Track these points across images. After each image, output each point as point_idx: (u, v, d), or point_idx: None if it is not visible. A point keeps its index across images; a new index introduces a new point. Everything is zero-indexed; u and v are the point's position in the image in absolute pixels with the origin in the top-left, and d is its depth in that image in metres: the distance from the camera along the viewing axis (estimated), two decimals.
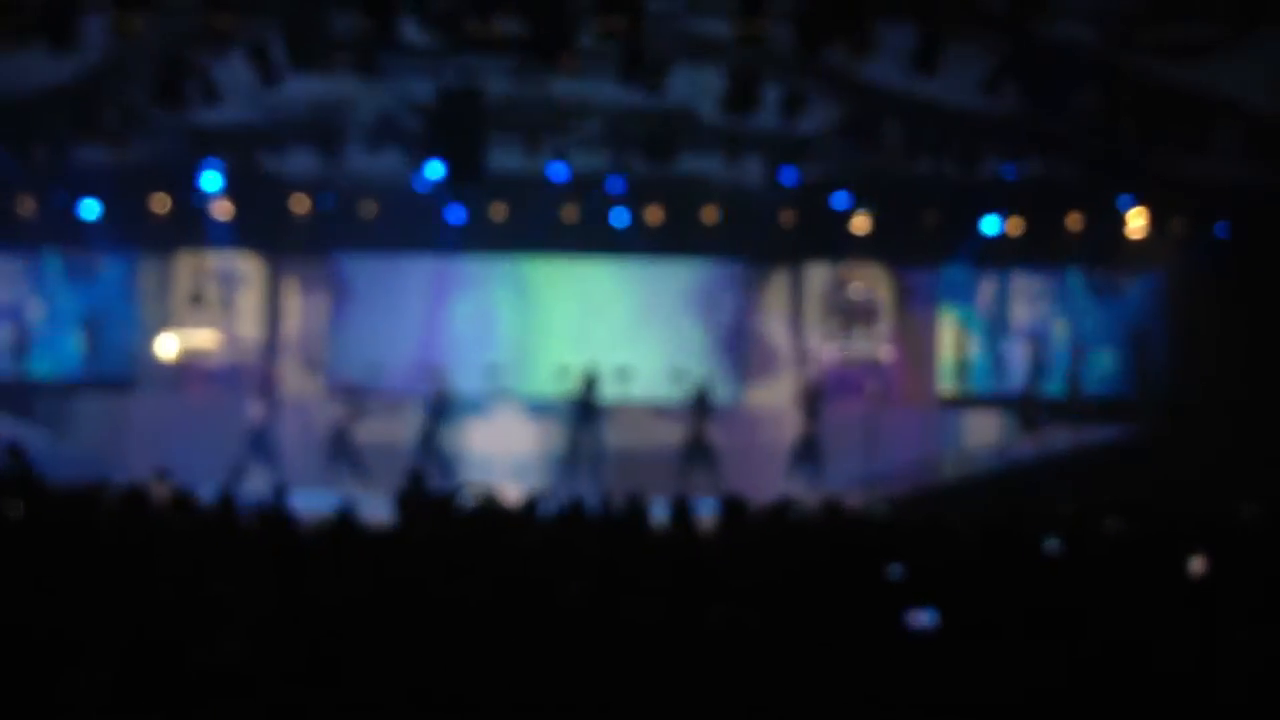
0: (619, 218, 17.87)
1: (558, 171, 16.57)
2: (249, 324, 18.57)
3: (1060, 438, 16.13)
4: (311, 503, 11.00)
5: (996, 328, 18.53)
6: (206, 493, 9.04)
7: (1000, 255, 18.05)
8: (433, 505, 9.12)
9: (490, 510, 8.31)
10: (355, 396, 16.95)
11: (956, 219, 17.59)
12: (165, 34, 13.51)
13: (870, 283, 18.12)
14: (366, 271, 18.83)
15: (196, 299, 18.06)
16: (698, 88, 15.03)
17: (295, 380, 18.29)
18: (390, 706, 4.81)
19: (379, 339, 18.63)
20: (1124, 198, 17.19)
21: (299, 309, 18.98)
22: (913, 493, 14.06)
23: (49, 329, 17.96)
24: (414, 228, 18.11)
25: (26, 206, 17.56)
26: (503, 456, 16.89)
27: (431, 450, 16.38)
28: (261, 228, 18.38)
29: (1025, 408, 17.01)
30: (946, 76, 12.88)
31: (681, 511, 7.79)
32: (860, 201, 17.50)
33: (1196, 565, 6.43)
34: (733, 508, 8.08)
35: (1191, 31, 12.38)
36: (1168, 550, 6.72)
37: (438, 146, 14.97)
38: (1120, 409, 16.86)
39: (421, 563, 6.23)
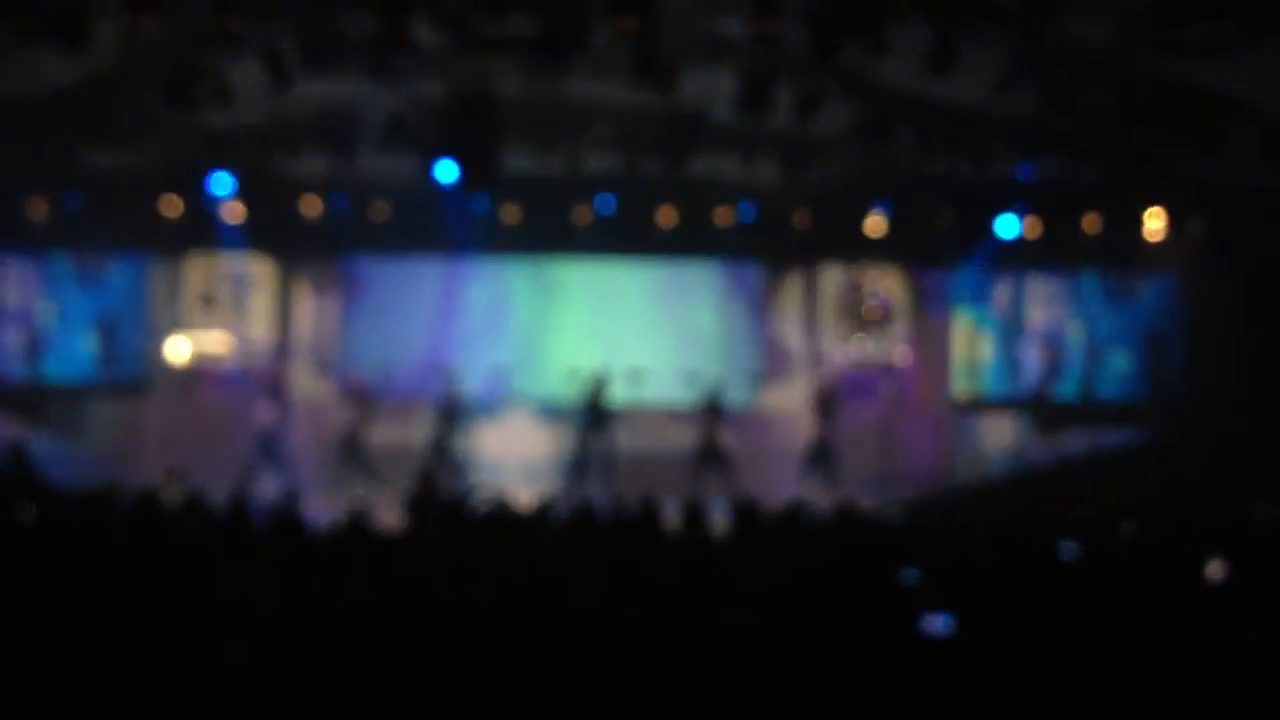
0: (631, 218, 17.92)
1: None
2: (260, 327, 18.62)
3: (1075, 441, 16.07)
4: (323, 506, 11.04)
5: (1011, 330, 18.50)
6: (218, 496, 9.06)
7: (1016, 256, 18.02)
8: (444, 509, 9.13)
9: (501, 514, 8.32)
10: (366, 399, 16.97)
11: (972, 220, 17.56)
12: (176, 36, 13.58)
13: (885, 285, 18.08)
14: (378, 274, 18.87)
15: (207, 302, 18.11)
16: (711, 89, 15.06)
17: (306, 383, 18.34)
18: (401, 710, 4.82)
19: (390, 341, 18.66)
20: (1140, 199, 17.15)
21: (310, 312, 19.02)
22: (927, 496, 14.02)
23: (61, 332, 18.02)
24: (426, 230, 18.16)
25: (37, 209, 17.68)
26: (514, 459, 16.91)
27: (442, 453, 16.39)
28: (272, 230, 18.43)
29: (1040, 410, 16.96)
30: (961, 76, 12.87)
31: (694, 514, 7.79)
32: (875, 203, 17.51)
33: (1214, 569, 6.41)
34: (745, 511, 8.08)
35: (1208, 31, 12.35)
36: (1185, 554, 6.70)
37: (450, 148, 15.00)
38: (1136, 412, 16.81)
39: (432, 566, 6.24)
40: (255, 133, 16.31)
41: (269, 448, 16.51)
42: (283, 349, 18.84)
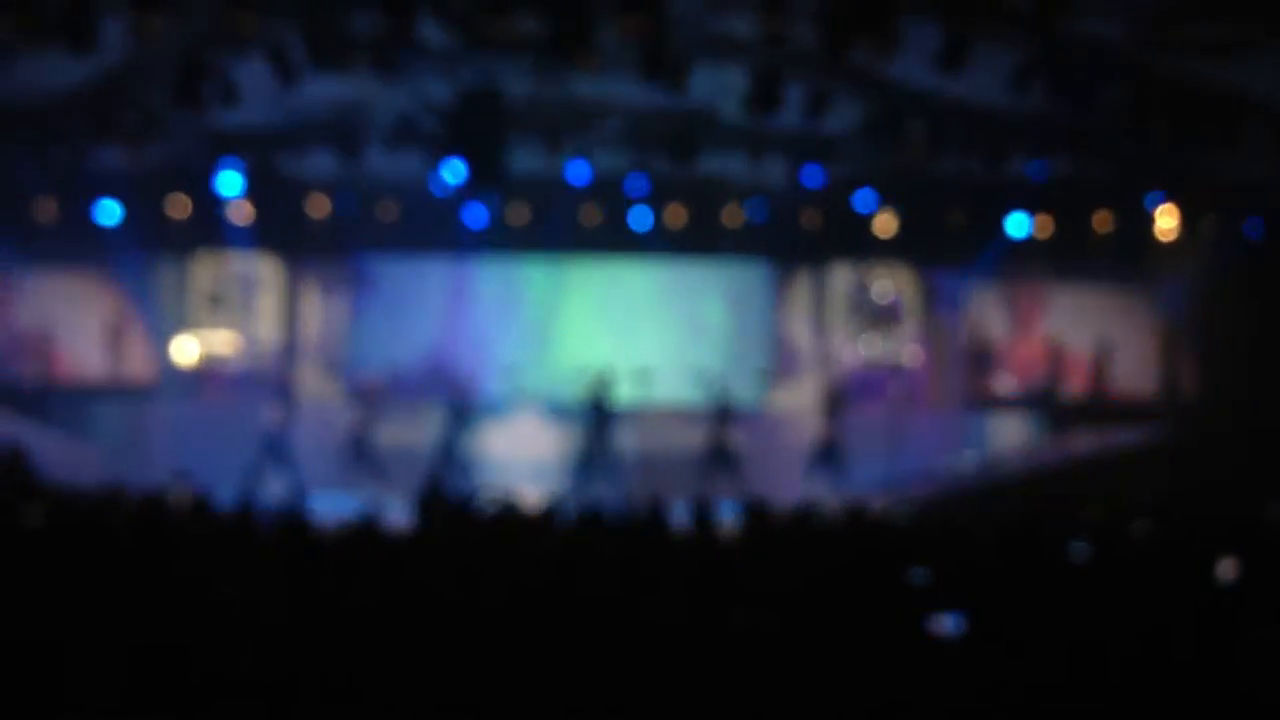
0: (640, 219, 17.94)
1: (579, 172, 16.63)
2: (268, 327, 18.68)
3: (1086, 440, 16.05)
4: (331, 506, 11.05)
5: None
6: (225, 496, 9.09)
7: (1027, 255, 18.00)
8: (452, 509, 9.15)
9: (509, 514, 8.33)
10: (374, 399, 17.01)
11: (982, 219, 17.54)
12: (184, 35, 13.61)
13: (894, 284, 18.07)
14: (386, 273, 18.92)
15: (215, 301, 18.16)
16: (720, 87, 15.06)
17: (314, 383, 18.38)
18: (409, 711, 4.83)
19: (398, 341, 18.71)
20: (1153, 197, 17.12)
21: (318, 311, 19.08)
22: (936, 496, 14.01)
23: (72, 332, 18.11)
24: (434, 229, 18.20)
25: (46, 210, 17.75)
26: (521, 460, 16.93)
27: (451, 454, 16.42)
28: (280, 230, 18.51)
29: (1050, 409, 16.94)
30: (973, 75, 12.85)
31: (703, 515, 7.80)
32: (885, 201, 17.49)
33: (1226, 569, 6.40)
34: (755, 511, 8.08)
35: (1220, 30, 12.32)
36: (1196, 554, 6.69)
37: (458, 148, 15.02)
38: (1147, 410, 16.78)
39: (440, 567, 6.26)
40: (263, 132, 16.36)
41: (276, 448, 16.55)
42: (290, 349, 18.90)
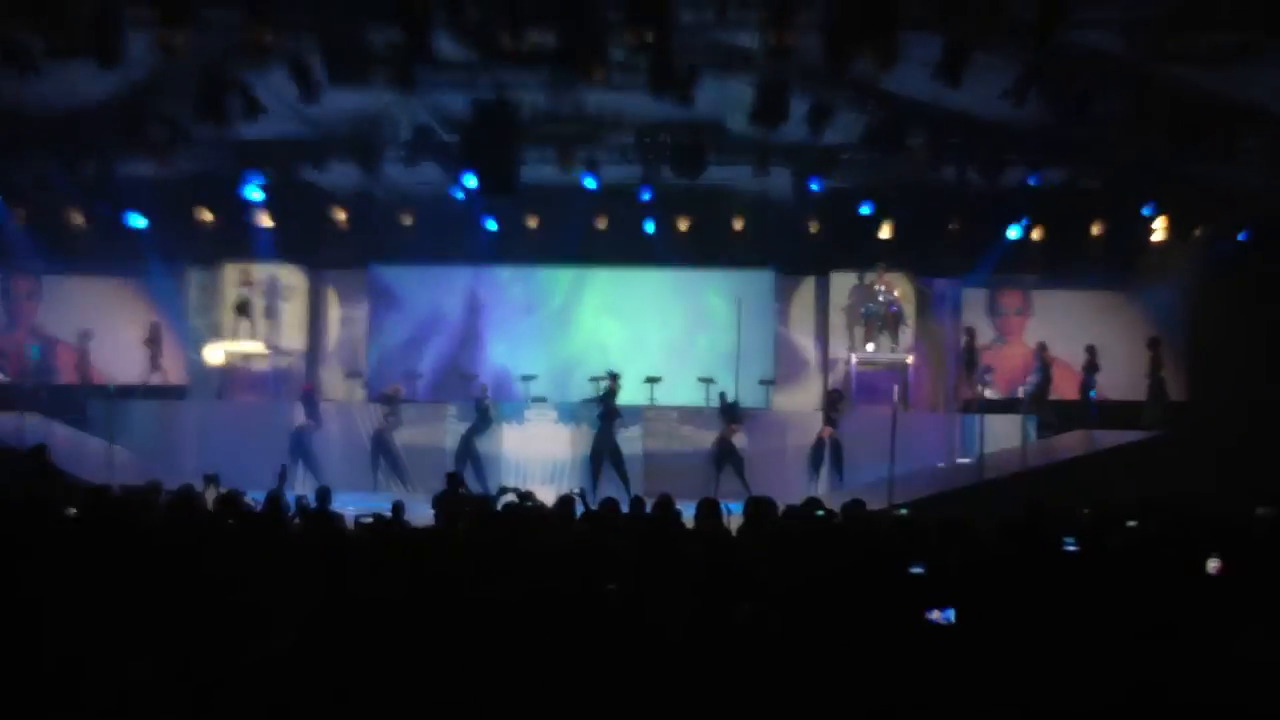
0: (649, 228, 18.04)
1: (589, 182, 16.75)
2: (292, 333, 18.79)
3: (1079, 441, 16.07)
4: (354, 505, 11.16)
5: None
6: (253, 495, 9.20)
7: (1024, 262, 18.04)
8: (470, 507, 9.24)
9: (525, 511, 8.41)
10: (395, 402, 17.11)
11: (981, 227, 17.58)
12: (207, 50, 13.72)
13: (895, 290, 18.13)
14: (405, 281, 19.03)
15: (242, 309, 18.27)
16: (726, 99, 15.12)
17: (337, 387, 18.49)
18: (430, 701, 4.91)
19: (417, 347, 18.83)
20: (1148, 205, 17.14)
21: (339, 318, 19.21)
22: (933, 494, 14.05)
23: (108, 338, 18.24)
24: (450, 238, 18.31)
25: (77, 219, 17.90)
26: (537, 460, 17.01)
27: (469, 454, 16.51)
28: (303, 239, 18.64)
29: (1045, 412, 16.95)
30: (972, 86, 12.89)
31: (710, 512, 7.86)
32: (885, 210, 17.57)
33: (1215, 565, 6.45)
34: (759, 509, 8.13)
35: (1216, 40, 12.34)
36: (1185, 552, 6.73)
37: (472, 159, 15.10)
38: (1139, 413, 16.79)
39: (460, 562, 6.33)
40: (285, 144, 16.46)
41: (302, 449, 16.66)
42: (314, 354, 19.03)
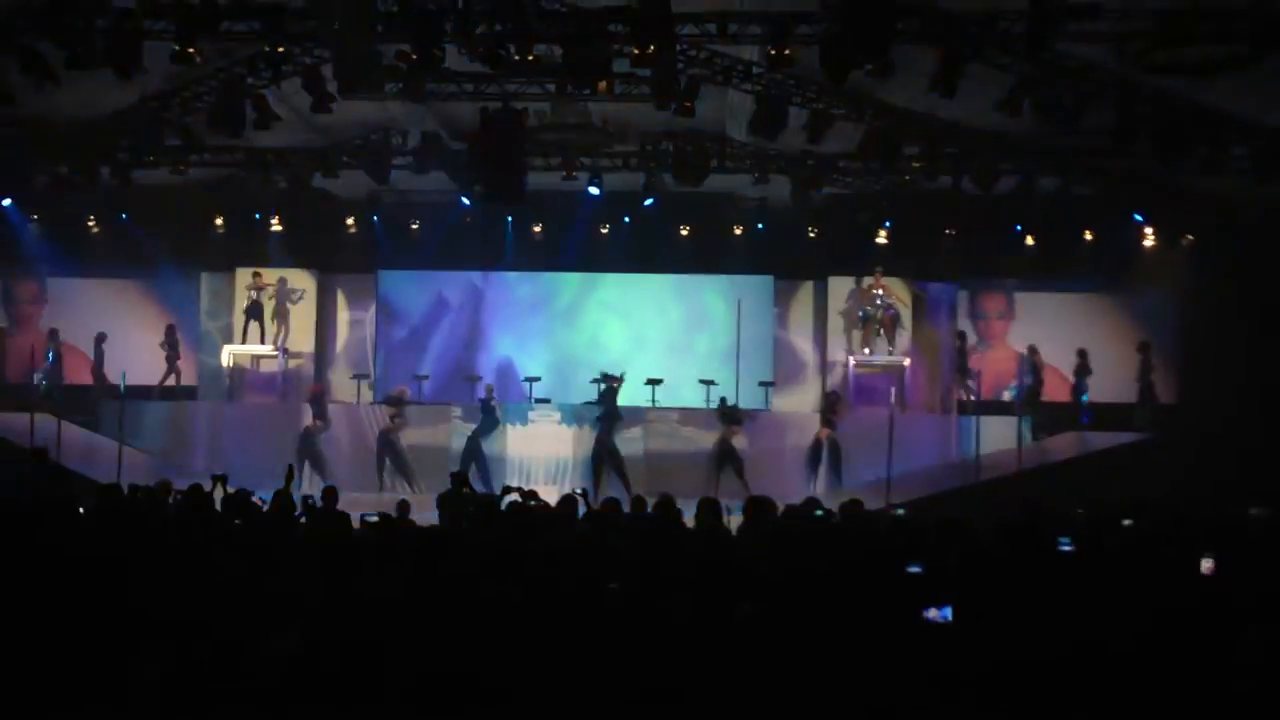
0: (651, 234, 18.03)
1: (594, 191, 16.75)
2: (301, 336, 18.75)
3: (1072, 442, 16.01)
4: (360, 504, 11.09)
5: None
6: (261, 495, 9.12)
7: (1017, 269, 17.99)
8: (474, 506, 9.17)
9: (528, 511, 8.35)
10: (401, 404, 17.06)
11: (974, 235, 17.54)
12: (224, 61, 13.70)
13: (891, 295, 18.07)
14: (412, 285, 18.99)
15: (253, 313, 18.23)
16: (727, 109, 15.08)
17: (344, 389, 18.44)
18: (434, 695, 4.85)
19: (423, 349, 18.78)
20: (1138, 213, 17.09)
21: (348, 321, 19.17)
22: (930, 495, 13.98)
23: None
24: (457, 244, 18.29)
25: (93, 225, 17.87)
26: (540, 460, 16.94)
27: (474, 455, 16.45)
28: (313, 245, 18.62)
29: (1036, 414, 16.88)
30: (967, 97, 12.86)
31: (711, 512, 7.80)
32: (881, 218, 17.56)
33: (1208, 565, 6.38)
34: (759, 509, 8.07)
35: (1204, 52, 12.30)
36: (1179, 552, 6.67)
37: (479, 167, 15.06)
38: (1130, 415, 16.73)
39: (464, 560, 6.27)
40: (298, 153, 16.44)
41: (310, 449, 16.60)
42: (322, 356, 18.98)
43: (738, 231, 18.21)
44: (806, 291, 18.84)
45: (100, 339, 17.96)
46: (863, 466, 15.96)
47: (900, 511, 10.41)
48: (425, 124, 15.83)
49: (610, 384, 16.34)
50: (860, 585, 5.85)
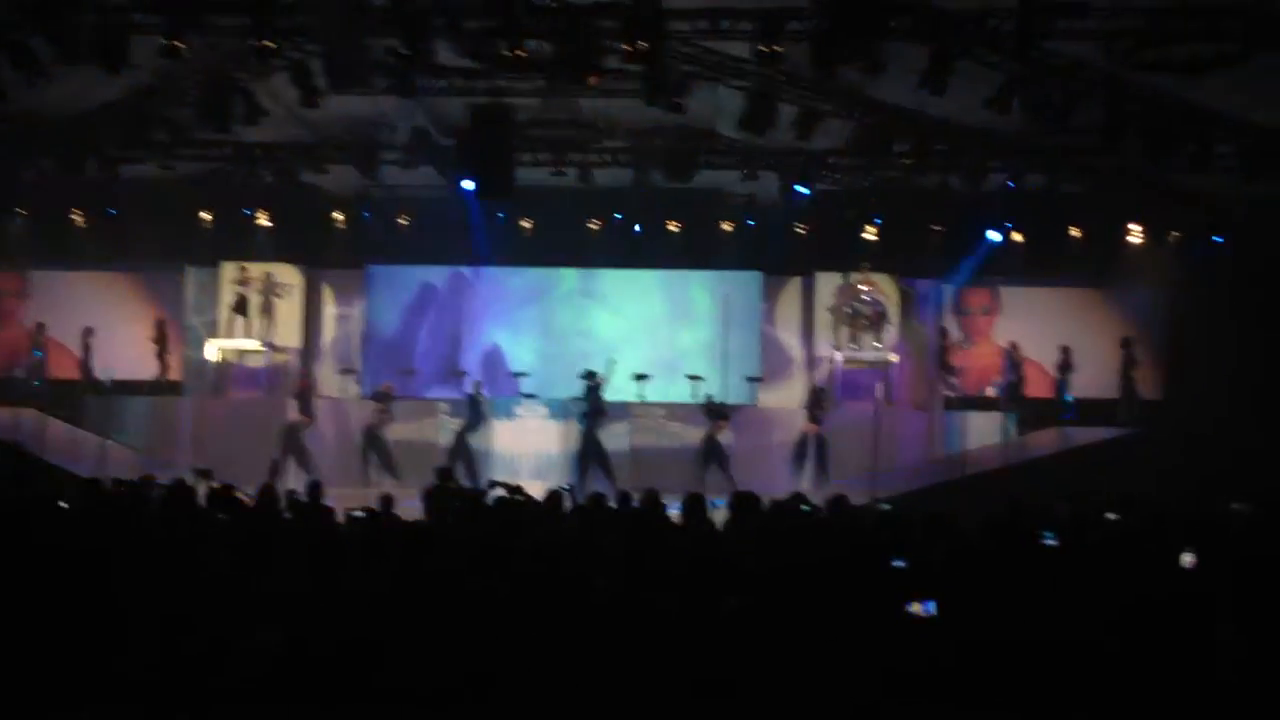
0: (640, 230, 18.04)
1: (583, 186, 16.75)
2: (288, 330, 18.69)
3: (1056, 438, 16.06)
4: (346, 499, 11.07)
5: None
6: (246, 489, 9.10)
7: (1004, 266, 18.03)
8: (460, 501, 9.16)
9: (514, 506, 8.34)
10: (387, 399, 17.03)
11: (962, 231, 17.58)
12: (212, 55, 13.65)
13: (878, 291, 18.10)
14: (399, 280, 18.95)
15: (239, 308, 18.18)
16: (717, 106, 15.08)
17: (331, 383, 18.40)
18: (422, 690, 4.85)
19: (411, 344, 18.74)
20: (1125, 210, 17.13)
21: (335, 316, 19.12)
22: (915, 490, 14.02)
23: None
24: (446, 239, 18.26)
25: (79, 219, 17.80)
26: (527, 455, 16.93)
27: (460, 450, 16.43)
28: (301, 240, 18.57)
29: (1019, 409, 16.93)
30: (956, 94, 12.89)
31: (696, 507, 7.80)
32: (869, 214, 17.57)
33: (1190, 559, 6.41)
34: (745, 503, 8.09)
35: (1192, 51, 12.34)
36: (1162, 545, 6.70)
37: (469, 162, 15.05)
38: (1114, 410, 16.79)
39: (450, 555, 6.27)
40: (286, 147, 16.40)
41: (296, 445, 16.56)
42: (309, 351, 18.93)
43: (726, 227, 18.23)
44: (794, 287, 18.85)
45: (87, 333, 17.90)
46: (849, 462, 16.00)
47: (885, 507, 10.43)
48: (414, 119, 15.79)
49: (593, 381, 16.37)
50: (845, 580, 5.86)
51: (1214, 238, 17.04)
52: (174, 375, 18.31)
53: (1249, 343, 16.14)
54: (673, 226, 18.19)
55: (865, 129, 15.02)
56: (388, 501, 9.58)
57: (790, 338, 18.85)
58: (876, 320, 17.91)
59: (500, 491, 8.81)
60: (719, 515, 8.11)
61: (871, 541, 6.99)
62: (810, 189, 16.62)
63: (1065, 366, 17.17)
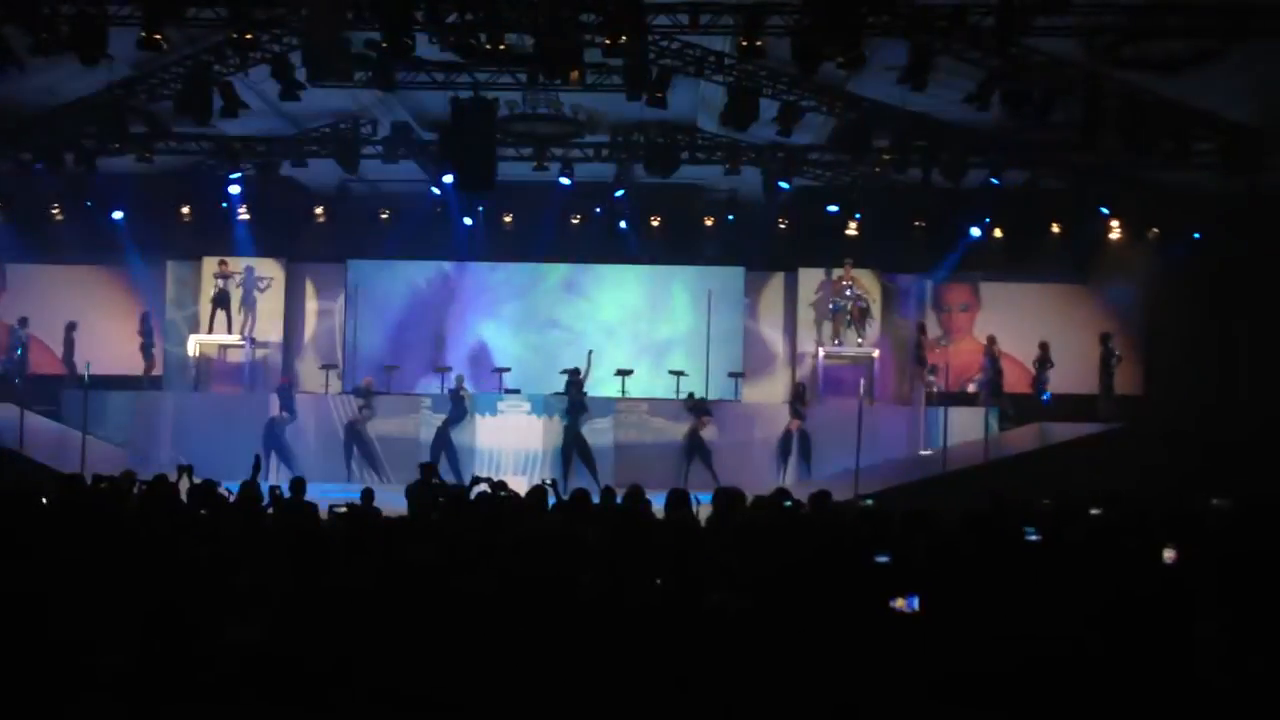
0: (622, 226, 18.03)
1: (564, 182, 16.72)
2: (269, 325, 18.61)
3: (1037, 433, 16.12)
4: (328, 494, 11.03)
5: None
6: (228, 485, 9.05)
7: (984, 261, 18.08)
8: (443, 497, 9.14)
9: (497, 501, 8.33)
10: (369, 395, 16.98)
11: (943, 227, 17.62)
12: (191, 48, 13.56)
13: (861, 287, 18.14)
14: (381, 275, 18.88)
15: (219, 301, 18.09)
16: (699, 101, 15.07)
17: (313, 379, 18.33)
18: (404, 687, 4.83)
19: (393, 339, 18.68)
20: (1105, 206, 17.20)
21: (316, 310, 19.05)
22: (898, 485, 14.06)
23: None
24: (427, 234, 18.21)
25: (58, 213, 17.66)
26: (509, 451, 16.90)
27: (443, 445, 16.41)
28: (282, 234, 18.48)
29: (1005, 405, 16.98)
30: (936, 90, 12.92)
31: (680, 503, 7.80)
32: (851, 209, 17.60)
33: (1170, 554, 6.44)
34: (728, 500, 8.08)
35: (1171, 48, 12.41)
36: (1143, 540, 6.73)
37: (450, 156, 15.00)
38: (1094, 405, 16.86)
39: (433, 550, 6.25)
40: (266, 141, 16.32)
41: (277, 439, 16.50)
42: (290, 345, 18.86)
43: (708, 223, 18.24)
44: (777, 283, 18.87)
45: (70, 327, 17.79)
46: (831, 457, 16.03)
47: (868, 502, 10.46)
48: (395, 113, 15.73)
49: (572, 377, 16.37)
50: (828, 575, 5.87)
51: (1193, 234, 17.14)
52: (156, 370, 18.21)
53: (1228, 338, 16.25)
54: (655, 222, 18.20)
55: (846, 124, 15.04)
56: (368, 495, 9.57)
57: (773, 333, 18.88)
58: (859, 316, 17.96)
59: (483, 487, 8.79)
60: (703, 511, 8.10)
61: (853, 537, 7.00)
62: (789, 184, 16.64)
63: (1043, 362, 17.23)
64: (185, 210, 17.92)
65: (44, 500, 7.74)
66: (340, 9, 12.04)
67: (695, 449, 16.37)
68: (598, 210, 17.99)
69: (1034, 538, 6.94)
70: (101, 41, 12.01)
